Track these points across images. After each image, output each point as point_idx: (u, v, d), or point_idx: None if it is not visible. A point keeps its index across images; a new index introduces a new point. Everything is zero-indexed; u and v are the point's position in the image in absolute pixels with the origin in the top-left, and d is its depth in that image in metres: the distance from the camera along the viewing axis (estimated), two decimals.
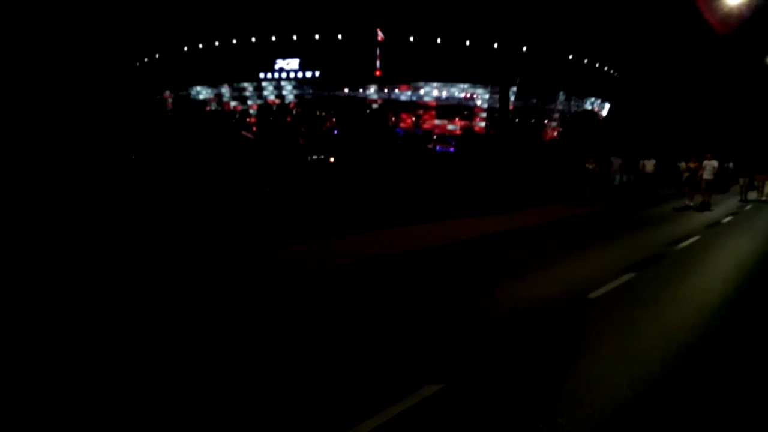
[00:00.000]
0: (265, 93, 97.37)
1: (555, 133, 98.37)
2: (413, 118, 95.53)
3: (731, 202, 24.43)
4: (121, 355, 5.76)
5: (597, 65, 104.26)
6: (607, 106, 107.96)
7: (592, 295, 8.05)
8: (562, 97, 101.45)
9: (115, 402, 4.67)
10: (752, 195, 25.11)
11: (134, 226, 14.10)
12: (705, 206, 20.98)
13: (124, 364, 5.48)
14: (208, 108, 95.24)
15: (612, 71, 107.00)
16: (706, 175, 21.45)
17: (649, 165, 26.19)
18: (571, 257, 11.49)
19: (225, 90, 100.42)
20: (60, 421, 4.37)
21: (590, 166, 22.96)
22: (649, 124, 65.84)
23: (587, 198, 22.15)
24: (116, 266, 9.33)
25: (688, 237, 13.75)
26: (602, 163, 24.04)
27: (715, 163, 21.81)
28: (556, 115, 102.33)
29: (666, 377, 5.18)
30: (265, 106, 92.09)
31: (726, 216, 18.81)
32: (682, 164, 22.28)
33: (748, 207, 22.65)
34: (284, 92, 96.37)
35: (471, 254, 11.70)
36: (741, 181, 25.99)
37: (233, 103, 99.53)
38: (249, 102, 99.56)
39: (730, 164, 27.37)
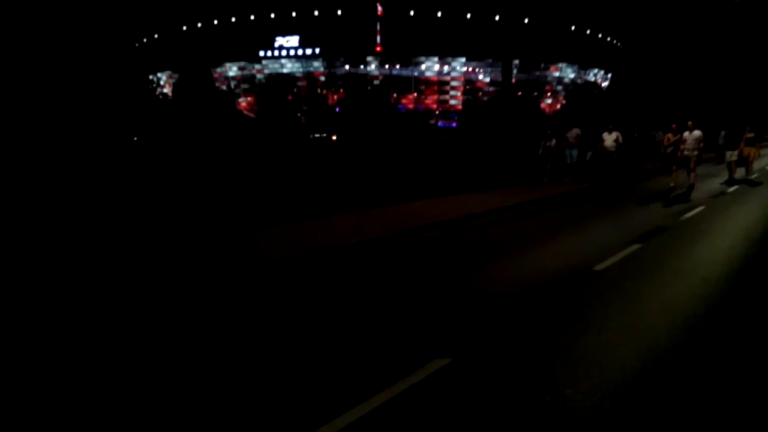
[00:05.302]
0: (266, 71, 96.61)
1: (558, 106, 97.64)
2: (415, 94, 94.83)
3: (717, 180, 20.17)
4: (116, 328, 5.82)
5: (600, 36, 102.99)
6: (610, 77, 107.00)
7: (598, 267, 8.06)
8: (565, 68, 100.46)
9: (105, 370, 4.72)
10: (741, 172, 20.47)
11: (136, 204, 14.14)
12: (689, 189, 16.94)
13: (119, 336, 5.55)
14: (209, 88, 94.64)
15: (615, 41, 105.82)
16: (689, 148, 17.37)
17: (609, 139, 20.56)
18: (576, 230, 11.48)
19: (225, 69, 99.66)
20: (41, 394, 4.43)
21: (548, 143, 20.43)
22: (650, 93, 65.36)
23: (545, 177, 19.67)
24: (117, 244, 9.37)
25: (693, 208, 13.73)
26: (561, 137, 20.87)
27: (698, 133, 17.55)
28: (560, 87, 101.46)
29: (673, 348, 5.20)
30: (266, 85, 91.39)
31: (730, 188, 18.59)
32: (660, 135, 18.41)
33: (740, 186, 18.61)
34: (285, 70, 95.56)
35: (474, 229, 11.69)
36: (728, 155, 20.15)
37: (234, 83, 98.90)
38: (250, 80, 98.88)
39: (722, 133, 22.88)
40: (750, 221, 12.20)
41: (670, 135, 17.89)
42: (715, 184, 19.12)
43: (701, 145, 17.67)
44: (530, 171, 21.34)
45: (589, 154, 21.57)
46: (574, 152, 20.34)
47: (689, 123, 17.82)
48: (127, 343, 5.61)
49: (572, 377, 4.59)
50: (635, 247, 9.32)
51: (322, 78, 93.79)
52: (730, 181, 19.29)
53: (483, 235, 11.20)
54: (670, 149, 17.80)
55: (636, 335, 5.49)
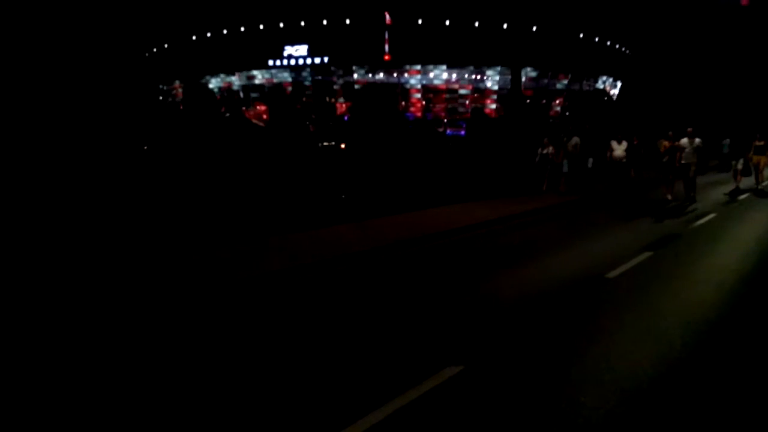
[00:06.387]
0: (275, 80, 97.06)
1: (567, 114, 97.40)
2: (423, 102, 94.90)
3: (723, 189, 19.22)
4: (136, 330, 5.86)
5: (608, 43, 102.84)
6: (619, 84, 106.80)
7: (611, 274, 8.02)
8: (573, 76, 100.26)
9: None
10: (748, 181, 19.25)
11: (143, 216, 14.24)
12: (689, 201, 16.19)
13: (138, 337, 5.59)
14: (218, 97, 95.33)
15: (624, 49, 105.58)
16: (687, 157, 16.35)
17: (619, 149, 19.16)
18: (586, 237, 11.44)
19: (235, 78, 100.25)
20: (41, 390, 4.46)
21: (545, 151, 18.95)
22: (659, 100, 65.08)
23: (543, 189, 18.61)
24: (132, 253, 9.44)
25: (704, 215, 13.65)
26: (559, 144, 19.46)
27: (697, 141, 16.55)
28: (568, 95, 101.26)
29: (687, 356, 5.17)
30: (274, 94, 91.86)
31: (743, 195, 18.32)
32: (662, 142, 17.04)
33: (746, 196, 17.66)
34: (293, 78, 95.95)
35: (487, 237, 11.67)
36: (734, 164, 19.48)
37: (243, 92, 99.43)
38: (259, 90, 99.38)
39: (727, 141, 21.58)
40: (761, 230, 12.12)
41: (666, 142, 16.77)
42: (722, 193, 18.48)
43: (699, 154, 16.71)
44: (537, 180, 20.91)
45: (590, 160, 20.78)
46: (566, 163, 19.33)
47: (688, 129, 16.75)
48: (165, 346, 5.69)
49: (586, 384, 4.57)
50: (647, 254, 9.28)
51: (331, 86, 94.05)
52: (737, 190, 18.47)
53: (494, 243, 11.17)
54: (666, 158, 16.68)
55: (649, 342, 5.47)
